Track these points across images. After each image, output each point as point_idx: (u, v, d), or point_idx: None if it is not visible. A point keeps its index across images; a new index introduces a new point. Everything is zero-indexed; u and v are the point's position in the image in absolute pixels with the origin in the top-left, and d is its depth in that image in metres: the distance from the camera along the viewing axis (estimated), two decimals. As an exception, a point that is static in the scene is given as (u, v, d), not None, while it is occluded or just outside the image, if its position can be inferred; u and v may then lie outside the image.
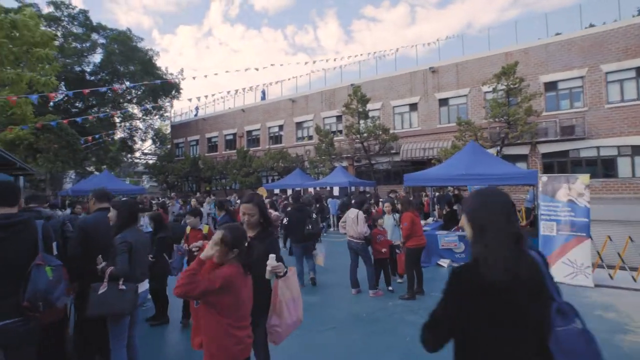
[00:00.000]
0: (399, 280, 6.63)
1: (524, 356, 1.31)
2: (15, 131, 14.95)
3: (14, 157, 6.65)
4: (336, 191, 16.01)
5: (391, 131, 18.88)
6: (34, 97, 11.85)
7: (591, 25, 17.12)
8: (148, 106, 31.82)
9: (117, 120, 33.07)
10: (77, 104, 31.03)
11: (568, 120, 15.53)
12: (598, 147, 15.22)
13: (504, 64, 14.85)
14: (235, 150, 25.96)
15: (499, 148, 14.79)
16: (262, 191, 18.20)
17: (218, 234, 2.10)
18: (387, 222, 6.57)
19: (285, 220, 7.31)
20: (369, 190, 16.67)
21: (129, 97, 33.57)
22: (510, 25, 48.35)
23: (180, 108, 36.64)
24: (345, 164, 20.87)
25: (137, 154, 40.05)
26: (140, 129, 36.57)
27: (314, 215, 7.07)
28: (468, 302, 1.33)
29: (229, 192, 24.54)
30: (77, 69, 29.44)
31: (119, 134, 32.99)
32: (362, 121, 18.33)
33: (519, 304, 1.30)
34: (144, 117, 35.24)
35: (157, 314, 4.87)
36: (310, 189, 16.81)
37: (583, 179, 6.55)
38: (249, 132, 27.59)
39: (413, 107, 20.26)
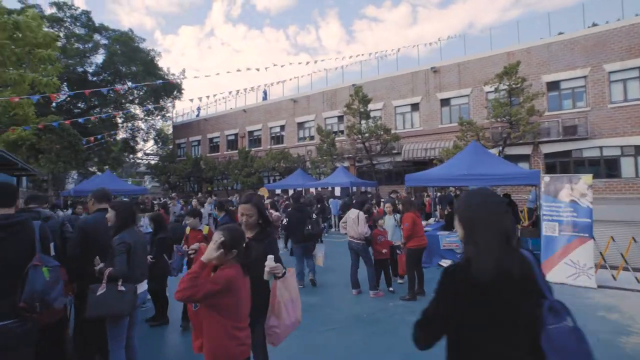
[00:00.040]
0: (400, 281, 6.61)
1: (516, 354, 1.32)
2: (17, 132, 15.01)
3: (16, 157, 6.67)
4: (338, 191, 16.00)
5: (393, 131, 18.84)
6: (35, 98, 11.89)
7: (594, 25, 17.00)
8: (150, 107, 31.91)
9: (120, 120, 33.19)
10: (79, 105, 31.16)
11: (571, 120, 15.45)
12: (601, 147, 15.13)
13: (506, 64, 14.81)
14: (236, 151, 26.00)
15: (501, 148, 14.74)
16: (263, 191, 18.20)
17: (216, 236, 2.09)
18: (388, 222, 6.54)
19: (285, 221, 7.31)
20: (371, 191, 16.65)
21: (131, 98, 33.68)
22: (512, 25, 48.26)
23: (182, 108, 36.82)
24: (346, 164, 20.85)
25: (139, 155, 40.20)
26: (142, 129, 36.70)
27: (314, 216, 7.06)
28: (460, 300, 1.35)
29: (231, 192, 24.58)
30: (80, 69, 29.56)
31: (121, 135, 33.14)
32: (363, 121, 18.30)
33: (510, 302, 1.32)
34: (146, 117, 35.35)
35: (157, 314, 4.87)
36: (312, 190, 16.80)
37: (586, 179, 6.51)
38: (251, 133, 27.62)
39: (415, 107, 20.22)
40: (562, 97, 16.33)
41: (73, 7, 28.71)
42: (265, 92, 27.26)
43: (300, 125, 24.87)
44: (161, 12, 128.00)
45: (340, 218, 12.06)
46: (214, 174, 26.08)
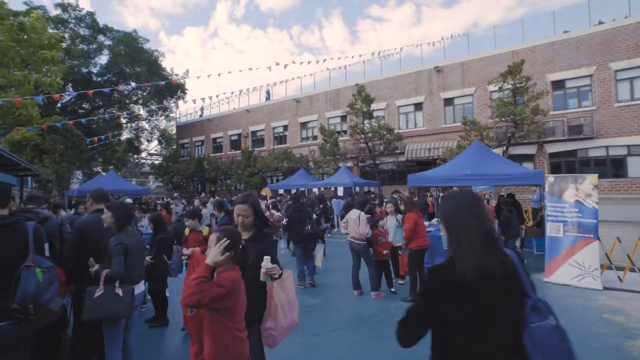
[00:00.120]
0: (401, 282, 6.55)
1: (499, 353, 1.32)
2: (21, 132, 15.10)
3: (19, 157, 6.69)
4: (340, 191, 15.96)
5: (396, 131, 18.77)
6: (39, 98, 11.95)
7: (600, 23, 16.79)
8: (153, 107, 32.05)
9: (124, 121, 33.36)
10: (84, 106, 31.38)
11: (576, 120, 15.27)
12: (607, 147, 14.94)
13: (510, 63, 14.66)
14: (239, 151, 26.05)
15: (505, 148, 14.62)
16: (266, 191, 18.21)
17: (212, 238, 2.08)
18: (390, 223, 6.49)
19: (285, 221, 7.29)
20: (374, 191, 16.58)
21: (134, 98, 33.85)
22: (516, 24, 47.87)
23: (185, 109, 36.68)
24: (349, 164, 20.80)
25: (143, 155, 40.37)
26: (146, 129, 36.81)
27: (314, 216, 7.02)
28: (444, 299, 1.36)
29: (234, 192, 24.61)
30: (84, 70, 29.76)
31: (125, 135, 33.27)
32: (366, 121, 18.24)
33: (493, 301, 1.33)
34: (150, 117, 35.51)
35: (156, 315, 4.84)
36: (315, 189, 16.77)
37: (591, 179, 6.41)
38: (254, 133, 27.65)
39: (418, 106, 20.12)
40: (567, 96, 16.15)
41: (78, 9, 28.90)
42: (268, 92, 27.29)
43: (303, 125, 24.85)
44: (166, 13, 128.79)
45: (342, 218, 12.03)
46: (217, 174, 26.14)
